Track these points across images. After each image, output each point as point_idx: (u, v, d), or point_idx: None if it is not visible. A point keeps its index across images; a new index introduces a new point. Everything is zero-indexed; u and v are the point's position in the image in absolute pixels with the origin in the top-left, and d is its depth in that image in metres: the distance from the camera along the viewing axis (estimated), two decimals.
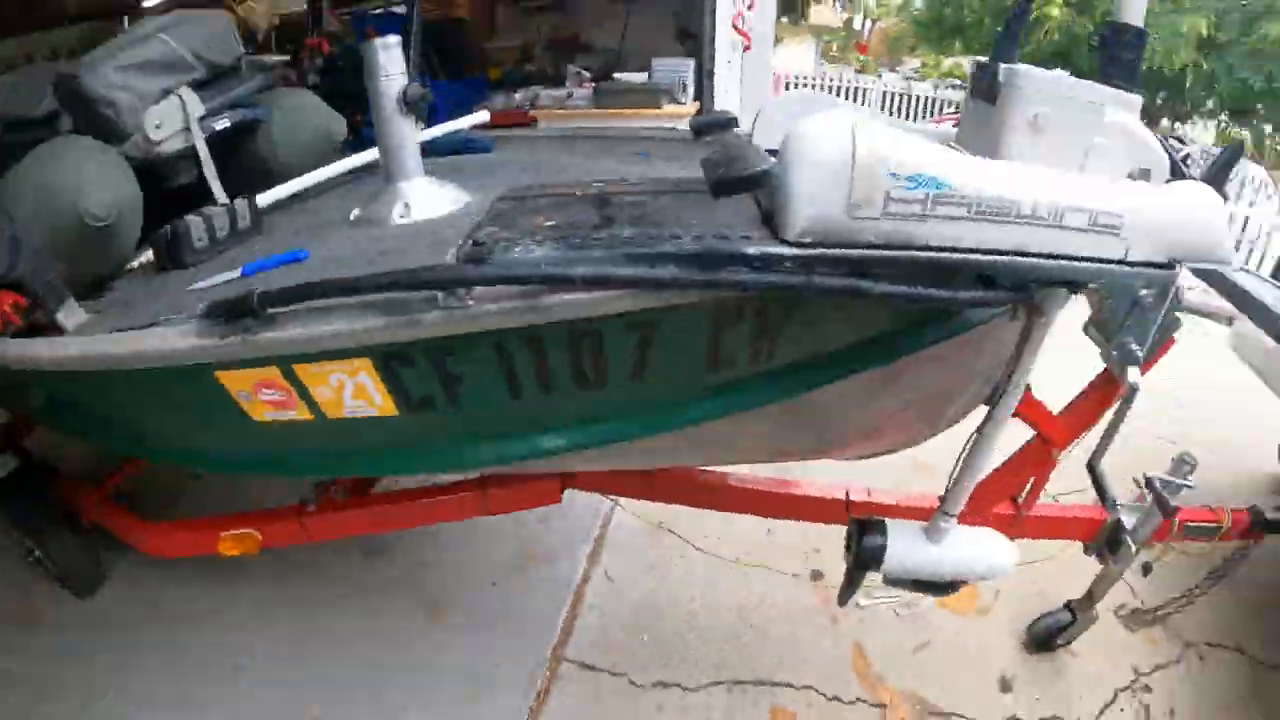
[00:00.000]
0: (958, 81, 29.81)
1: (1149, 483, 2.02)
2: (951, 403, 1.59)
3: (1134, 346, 1.54)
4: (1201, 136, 17.31)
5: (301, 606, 2.56)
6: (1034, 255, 1.05)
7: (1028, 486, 1.97)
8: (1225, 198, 1.36)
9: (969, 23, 12.08)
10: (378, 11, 6.41)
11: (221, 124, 2.43)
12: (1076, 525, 2.13)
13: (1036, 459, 1.86)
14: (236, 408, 1.43)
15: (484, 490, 1.94)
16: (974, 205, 0.99)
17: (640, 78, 5.40)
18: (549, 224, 1.26)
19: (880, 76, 22.97)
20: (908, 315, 1.27)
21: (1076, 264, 1.06)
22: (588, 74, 5.82)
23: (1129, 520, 2.06)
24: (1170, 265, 1.10)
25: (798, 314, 1.23)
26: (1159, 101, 11.32)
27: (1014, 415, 1.63)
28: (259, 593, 2.62)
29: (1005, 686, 2.40)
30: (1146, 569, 2.33)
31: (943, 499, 1.53)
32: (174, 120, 2.29)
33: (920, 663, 2.41)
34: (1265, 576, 2.95)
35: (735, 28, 5.10)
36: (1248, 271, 3.02)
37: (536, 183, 1.62)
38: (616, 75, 5.58)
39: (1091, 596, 2.36)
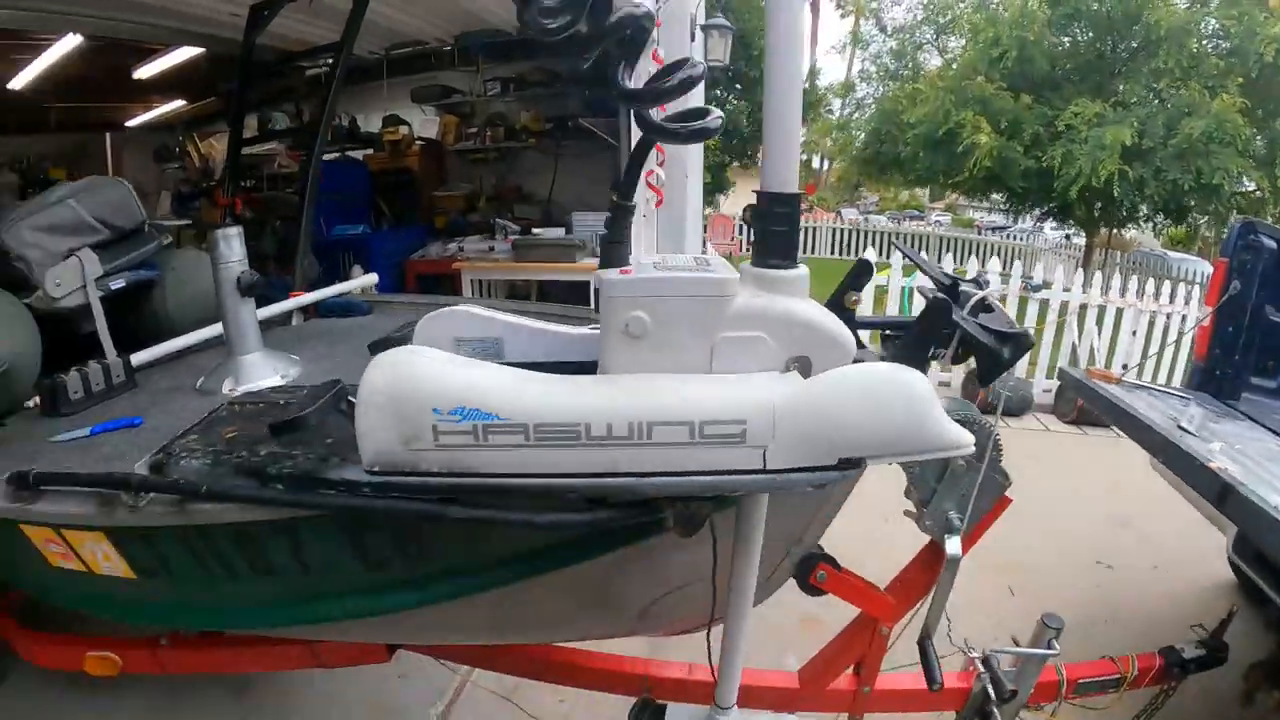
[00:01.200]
0: (915, 212, 31.43)
1: (985, 661, 1.87)
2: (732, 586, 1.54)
3: (953, 515, 1.56)
4: (1149, 240, 18.05)
5: None
6: (632, 475, 1.02)
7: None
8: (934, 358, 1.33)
9: (904, 156, 12.42)
10: (332, 156, 6.67)
11: (117, 284, 2.68)
12: (935, 698, 1.94)
13: (864, 637, 1.77)
14: (40, 554, 1.61)
15: (312, 645, 1.98)
16: (529, 432, 1.00)
17: (561, 231, 5.63)
18: (230, 435, 1.43)
19: (839, 213, 24.10)
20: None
21: (680, 479, 1.02)
22: (515, 227, 6.02)
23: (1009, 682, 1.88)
24: (851, 464, 1.03)
25: (433, 529, 1.31)
26: (1095, 213, 11.75)
27: (836, 595, 1.64)
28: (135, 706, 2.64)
29: None
30: None
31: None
32: (72, 279, 2.51)
33: None
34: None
35: (648, 183, 5.28)
36: (1128, 383, 2.97)
37: (348, 370, 1.85)
38: (535, 230, 5.78)
39: None
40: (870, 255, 7.64)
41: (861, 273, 1.41)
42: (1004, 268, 6.66)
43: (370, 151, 7.02)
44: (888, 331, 1.51)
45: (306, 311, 3.09)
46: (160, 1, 4.53)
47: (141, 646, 2.14)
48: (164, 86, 6.64)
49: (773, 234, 1.12)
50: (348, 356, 2.21)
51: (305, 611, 1.52)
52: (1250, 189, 10.40)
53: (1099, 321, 6.55)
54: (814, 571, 1.59)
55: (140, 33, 5.04)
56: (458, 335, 1.35)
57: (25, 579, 2.01)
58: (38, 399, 2.20)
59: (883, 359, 1.20)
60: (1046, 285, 6.52)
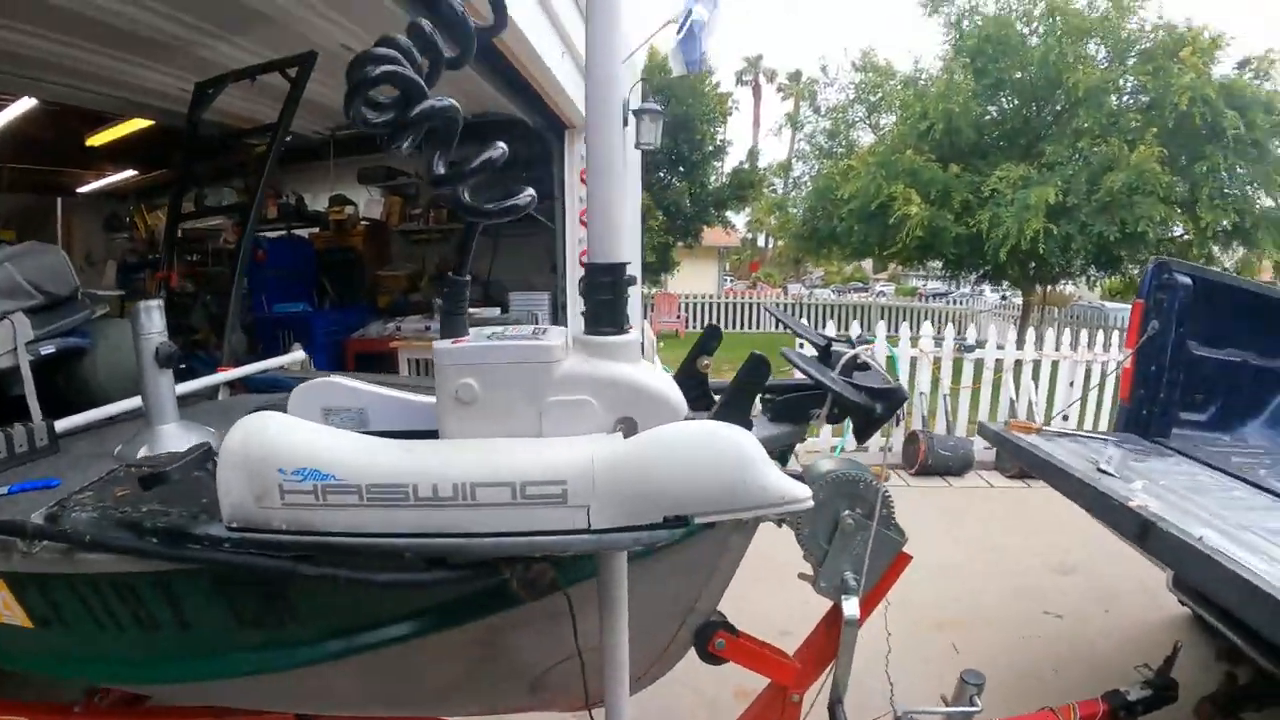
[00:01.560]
0: (859, 284, 32.29)
1: None
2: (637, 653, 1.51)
3: (849, 576, 1.55)
4: (1087, 294, 18.67)
5: None
6: (461, 535, 1.06)
7: None
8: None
9: (840, 230, 12.87)
10: (278, 234, 6.81)
11: (47, 349, 2.74)
12: None
13: (775, 706, 1.75)
14: None
15: (223, 718, 1.94)
16: (362, 493, 1.06)
17: (496, 311, 5.77)
18: (120, 494, 1.47)
19: (785, 289, 24.72)
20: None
21: (506, 539, 1.06)
22: None
23: None
24: (681, 521, 1.06)
25: (298, 587, 1.34)
26: (1029, 272, 12.23)
27: (738, 663, 1.64)
28: None
29: None
30: None
31: None
32: (3, 341, 2.59)
33: None
34: None
35: (581, 262, 5.41)
36: (1049, 432, 3.02)
37: None
38: (472, 310, 5.81)
39: None
40: (830, 329, 7.82)
41: (710, 338, 1.48)
42: (937, 331, 6.83)
43: (316, 230, 7.10)
44: (765, 396, 1.55)
45: (234, 386, 3.06)
46: (114, 73, 4.66)
47: (55, 713, 2.10)
48: (116, 155, 6.76)
49: (599, 302, 1.20)
50: None
51: (188, 669, 1.53)
52: (1177, 234, 10.97)
53: (1034, 376, 6.73)
54: (712, 640, 1.59)
55: (94, 101, 5.19)
56: (325, 405, 1.40)
57: None
58: None
59: (713, 418, 1.23)
60: (980, 345, 6.71)
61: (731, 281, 29.36)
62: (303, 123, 6.08)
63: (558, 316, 5.80)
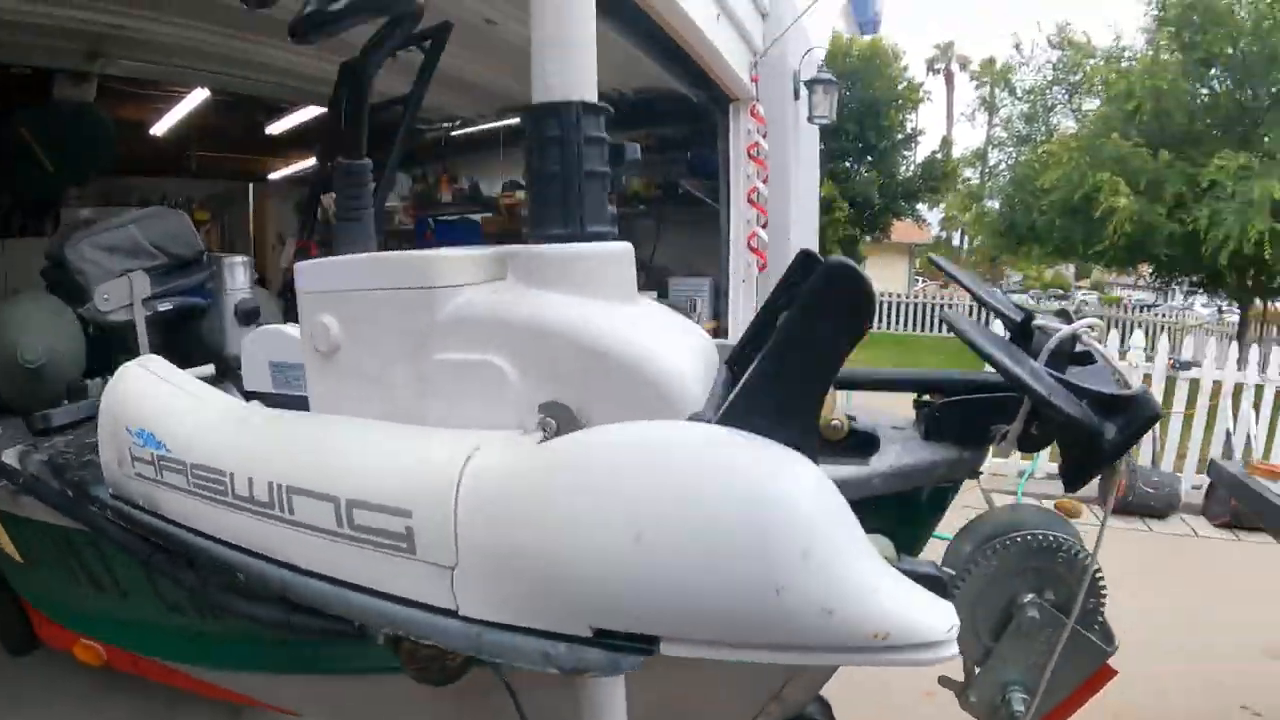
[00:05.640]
0: (1060, 291, 29.68)
1: None
2: None
3: (1016, 696, 1.02)
4: None
5: None
6: (279, 564, 0.71)
7: None
8: None
9: (1040, 225, 11.67)
10: (452, 218, 7.25)
11: (164, 306, 2.84)
12: None
13: None
14: None
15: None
16: (188, 473, 0.74)
17: (652, 295, 5.39)
18: (87, 441, 1.32)
19: None
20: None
21: (351, 595, 0.67)
22: None
23: None
24: (633, 642, 0.60)
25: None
26: (1248, 281, 10.58)
27: None
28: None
29: None
30: None
31: None
32: (120, 296, 2.71)
33: None
34: None
35: (750, 247, 5.17)
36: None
37: None
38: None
39: None
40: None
41: (808, 266, 0.97)
42: (1149, 344, 5.91)
43: (489, 215, 7.26)
44: (921, 400, 1.05)
45: None
46: (281, 62, 4.84)
47: (123, 650, 2.14)
48: (298, 143, 7.17)
49: (546, 180, 0.76)
50: None
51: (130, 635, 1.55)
52: None
53: (1256, 404, 5.65)
54: None
55: (264, 89, 5.46)
56: (272, 358, 1.11)
57: None
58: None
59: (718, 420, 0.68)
60: (1197, 363, 5.72)
61: (923, 281, 27.81)
62: (472, 107, 6.19)
63: (719, 304, 5.44)
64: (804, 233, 5.52)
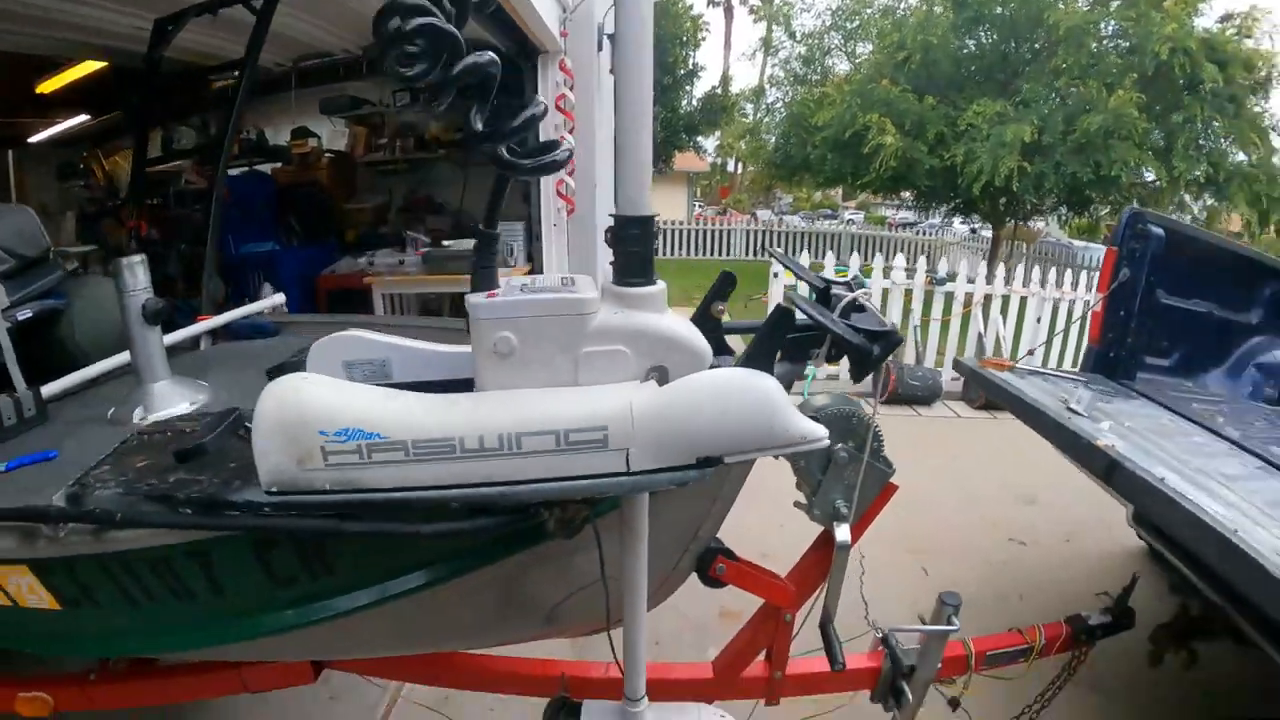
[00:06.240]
0: (829, 211, 32.27)
1: (884, 641, 1.99)
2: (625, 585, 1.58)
3: (840, 504, 1.63)
4: (1055, 231, 18.90)
5: None
6: (506, 484, 1.11)
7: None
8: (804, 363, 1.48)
9: (813, 159, 12.87)
10: (239, 170, 6.49)
11: (24, 314, 2.60)
12: (848, 678, 2.04)
13: (769, 625, 1.85)
14: None
15: (239, 670, 2.00)
16: (409, 449, 1.08)
17: (472, 242, 5.49)
18: (140, 465, 1.49)
19: (754, 215, 24.56)
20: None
21: (552, 484, 1.11)
22: (425, 239, 5.92)
23: (909, 659, 1.99)
24: (712, 461, 1.13)
25: (335, 542, 1.38)
26: (999, 208, 12.35)
27: (737, 586, 1.71)
28: None
29: None
30: (954, 704, 2.22)
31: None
32: None
33: None
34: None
35: (559, 193, 5.39)
36: (1021, 370, 3.10)
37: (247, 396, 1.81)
38: (446, 242, 5.70)
39: None
40: (804, 259, 7.91)
41: (725, 284, 1.50)
42: (909, 263, 6.92)
43: (278, 165, 6.82)
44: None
45: (215, 335, 3.02)
46: (62, 15, 4.37)
47: (71, 684, 2.12)
48: (67, 101, 6.34)
49: (629, 254, 1.20)
50: (254, 380, 2.19)
51: (224, 632, 1.57)
52: (1149, 179, 11.02)
53: (1003, 311, 6.88)
54: (713, 565, 1.67)
55: (40, 45, 4.86)
56: (347, 359, 1.40)
57: None
58: None
59: (736, 364, 1.28)
60: (951, 278, 6.82)
61: (701, 207, 29.09)
62: (265, 55, 5.66)
63: (531, 246, 5.68)
64: (603, 176, 5.75)
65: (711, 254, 19.32)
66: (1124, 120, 9.66)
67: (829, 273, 6.55)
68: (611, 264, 1.22)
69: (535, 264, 5.54)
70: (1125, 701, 2.94)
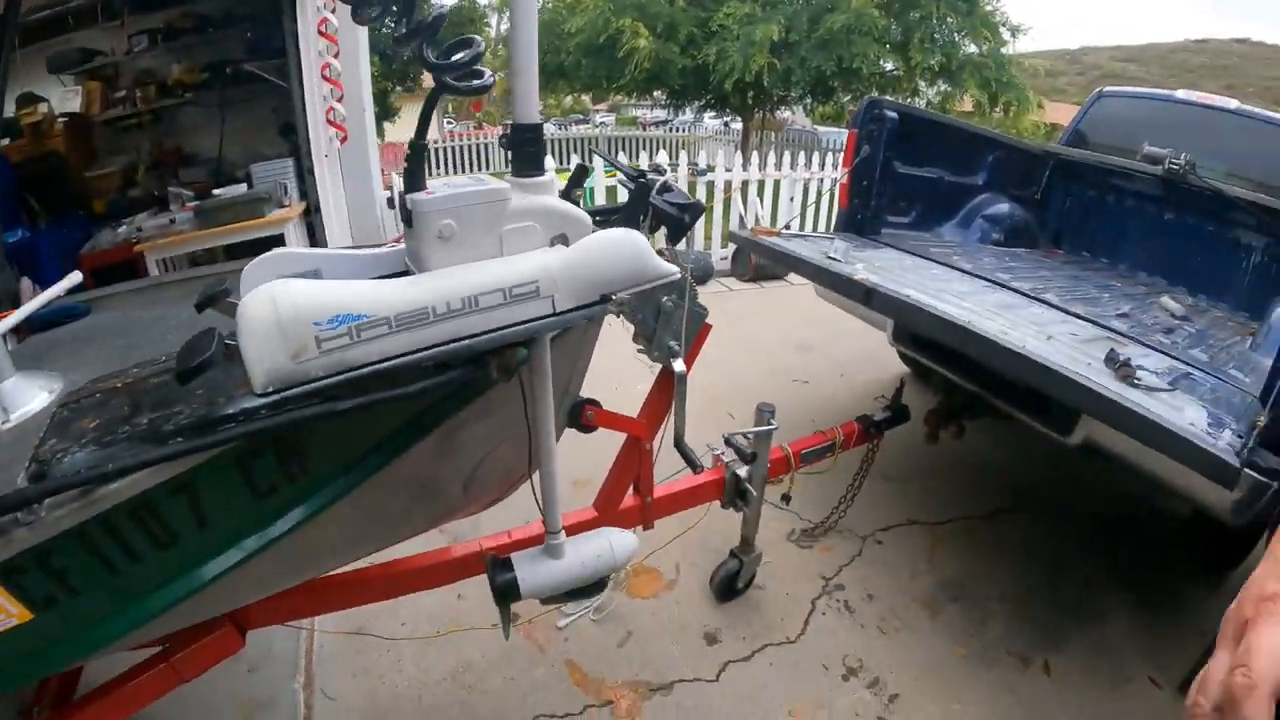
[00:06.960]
0: (580, 116, 32.21)
1: (727, 441, 2.51)
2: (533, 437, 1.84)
3: (673, 344, 2.07)
4: (801, 119, 20.24)
5: None
6: (469, 337, 1.36)
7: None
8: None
9: (567, 65, 13.00)
10: None
11: None
12: (702, 491, 2.52)
13: (634, 456, 2.23)
14: None
15: (170, 660, 1.89)
16: (391, 322, 1.27)
17: (242, 188, 5.22)
18: (93, 426, 1.44)
19: (506, 126, 23.87)
20: (420, 402, 1.55)
21: (505, 330, 1.39)
22: (189, 193, 5.49)
23: (742, 471, 2.51)
24: (605, 299, 1.47)
25: (310, 435, 1.47)
26: (750, 101, 13.17)
27: (604, 427, 2.07)
28: None
29: (711, 640, 2.62)
30: (786, 499, 2.82)
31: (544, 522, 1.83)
32: None
33: (629, 653, 2.57)
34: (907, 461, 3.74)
35: (329, 121, 5.20)
36: (787, 234, 3.71)
37: (107, 370, 1.75)
38: (215, 191, 5.30)
39: (746, 540, 2.68)
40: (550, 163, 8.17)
41: (581, 175, 1.80)
42: (672, 158, 7.44)
43: (7, 141, 5.76)
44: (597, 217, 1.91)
45: (19, 331, 2.71)
46: None
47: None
48: None
49: (526, 153, 1.50)
50: (100, 356, 2.01)
51: (208, 569, 1.54)
52: (889, 69, 12.08)
53: (760, 194, 7.63)
54: (584, 414, 2.03)
55: None
56: (280, 274, 1.50)
57: None
58: None
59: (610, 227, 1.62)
60: (711, 169, 7.43)
61: (454, 124, 28.06)
62: None
63: (304, 180, 5.28)
64: (368, 101, 5.68)
65: (471, 169, 18.58)
66: (865, 18, 10.54)
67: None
68: (509, 162, 1.50)
69: (310, 199, 5.23)
70: (915, 483, 3.71)
